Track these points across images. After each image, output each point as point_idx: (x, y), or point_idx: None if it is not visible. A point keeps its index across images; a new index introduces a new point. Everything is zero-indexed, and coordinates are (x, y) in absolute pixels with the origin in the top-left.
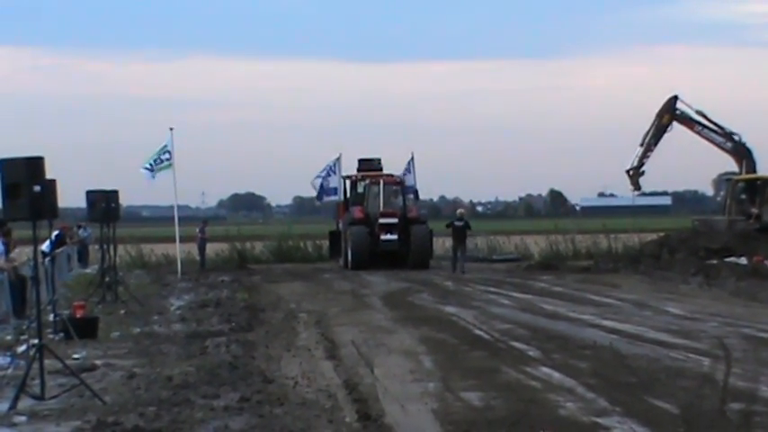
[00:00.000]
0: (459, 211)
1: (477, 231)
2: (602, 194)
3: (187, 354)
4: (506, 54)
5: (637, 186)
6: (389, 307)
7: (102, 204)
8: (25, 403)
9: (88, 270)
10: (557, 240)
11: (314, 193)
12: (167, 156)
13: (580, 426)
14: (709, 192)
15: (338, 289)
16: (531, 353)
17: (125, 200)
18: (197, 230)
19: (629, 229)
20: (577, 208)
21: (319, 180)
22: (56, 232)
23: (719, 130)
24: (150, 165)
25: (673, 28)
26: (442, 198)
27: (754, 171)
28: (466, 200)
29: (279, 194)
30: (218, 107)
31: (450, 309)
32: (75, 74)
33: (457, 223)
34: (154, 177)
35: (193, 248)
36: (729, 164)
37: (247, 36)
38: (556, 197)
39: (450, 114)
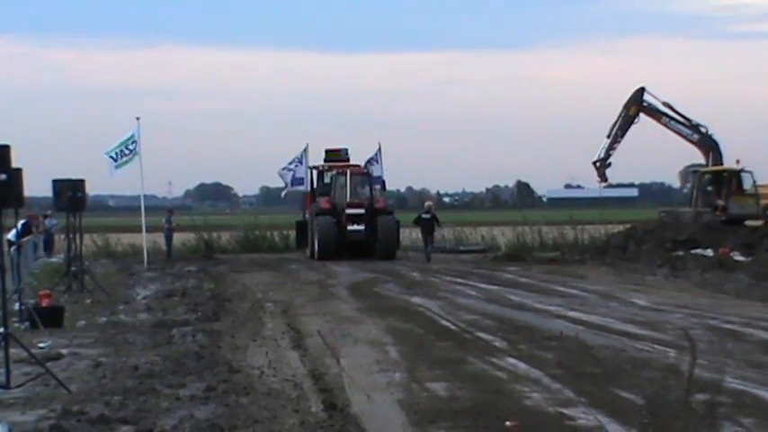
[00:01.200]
0: (427, 204)
1: (443, 222)
2: (568, 186)
3: (153, 343)
4: (474, 45)
5: (603, 178)
6: (356, 297)
7: (69, 193)
8: None
9: (54, 259)
10: (523, 231)
11: (282, 184)
12: (134, 146)
13: (545, 416)
14: (676, 183)
15: (305, 279)
16: (497, 343)
17: (91, 189)
18: (163, 220)
19: (596, 220)
20: (544, 199)
21: (289, 173)
22: (22, 221)
23: (686, 122)
24: (115, 154)
25: (641, 20)
26: (409, 189)
27: (721, 163)
28: (433, 190)
29: (246, 184)
30: (185, 97)
31: (416, 299)
32: (42, 62)
33: (424, 216)
34: (117, 168)
35: (160, 238)
36: (696, 156)
37: (214, 25)
38: (523, 188)
39: (418, 105)
